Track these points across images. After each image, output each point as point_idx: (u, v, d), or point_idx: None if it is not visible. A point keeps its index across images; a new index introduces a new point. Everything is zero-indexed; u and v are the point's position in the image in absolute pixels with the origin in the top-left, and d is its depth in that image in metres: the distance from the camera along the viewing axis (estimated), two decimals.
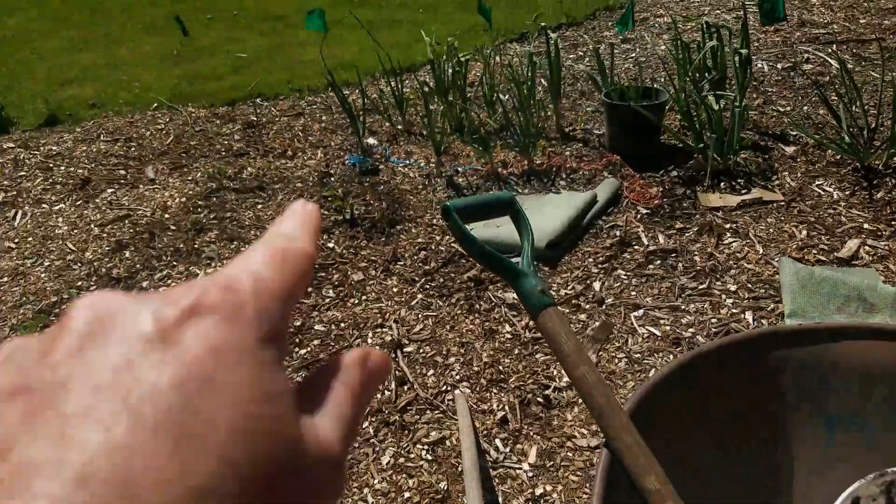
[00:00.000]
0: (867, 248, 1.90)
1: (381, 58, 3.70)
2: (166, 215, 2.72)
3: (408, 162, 2.92)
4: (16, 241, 2.67)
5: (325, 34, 3.03)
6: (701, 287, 1.87)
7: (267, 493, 0.18)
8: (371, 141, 3.17)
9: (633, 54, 3.76)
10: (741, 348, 0.84)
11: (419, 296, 2.07)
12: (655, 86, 2.83)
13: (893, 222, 2.00)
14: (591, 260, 2.10)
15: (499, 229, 2.27)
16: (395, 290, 2.12)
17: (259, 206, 2.71)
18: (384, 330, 1.95)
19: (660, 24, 4.21)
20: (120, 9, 6.92)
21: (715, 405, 0.83)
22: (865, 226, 2.00)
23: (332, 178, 2.84)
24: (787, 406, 0.83)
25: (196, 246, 2.46)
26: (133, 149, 3.44)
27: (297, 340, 1.94)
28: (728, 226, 2.10)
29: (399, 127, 3.26)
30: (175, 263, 2.37)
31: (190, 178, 3.02)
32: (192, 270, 2.32)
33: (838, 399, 0.83)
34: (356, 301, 2.09)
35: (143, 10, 6.76)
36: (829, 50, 3.28)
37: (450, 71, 3.17)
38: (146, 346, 0.19)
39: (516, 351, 1.80)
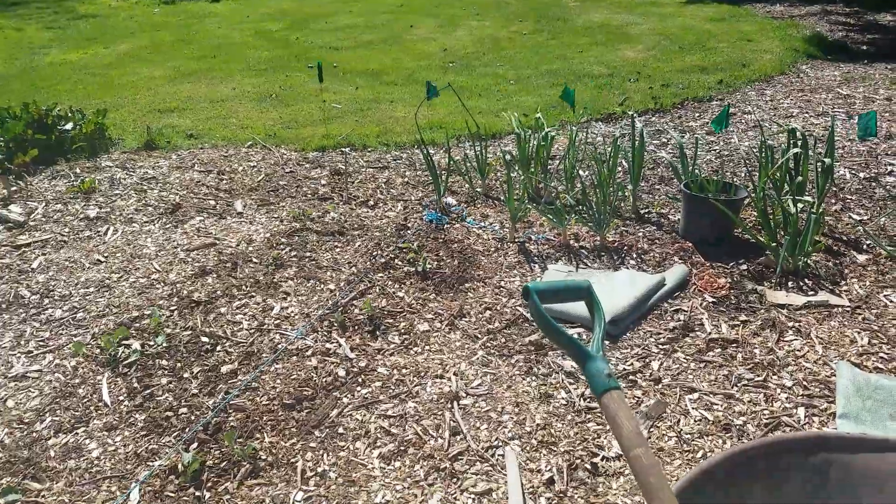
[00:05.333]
0: None
1: (468, 123, 4.05)
2: (250, 248, 3.03)
3: (483, 224, 3.19)
4: (105, 255, 3.00)
5: (427, 100, 3.38)
6: (757, 379, 2.01)
7: None
8: (450, 200, 3.46)
9: (717, 147, 3.97)
10: (793, 448, 0.92)
11: (480, 352, 2.27)
12: (735, 181, 3.02)
13: None
14: (652, 340, 2.26)
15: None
16: (457, 344, 2.33)
17: (338, 250, 3.00)
18: (443, 381, 2.14)
19: (746, 120, 4.42)
20: (226, 49, 7.68)
21: (761, 498, 0.91)
22: None
23: (409, 231, 3.13)
24: None
25: (275, 280, 2.75)
26: (224, 181, 3.84)
27: (360, 380, 2.15)
28: (791, 324, 2.24)
29: (478, 190, 3.55)
30: (254, 294, 2.66)
31: (276, 215, 3.37)
32: (269, 303, 2.60)
33: None
34: (419, 350, 2.31)
35: (247, 51, 7.49)
36: None
37: (534, 143, 3.46)
38: None
39: (569, 417, 1.96)
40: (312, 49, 7.52)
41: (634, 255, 2.83)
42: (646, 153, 3.90)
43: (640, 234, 3.00)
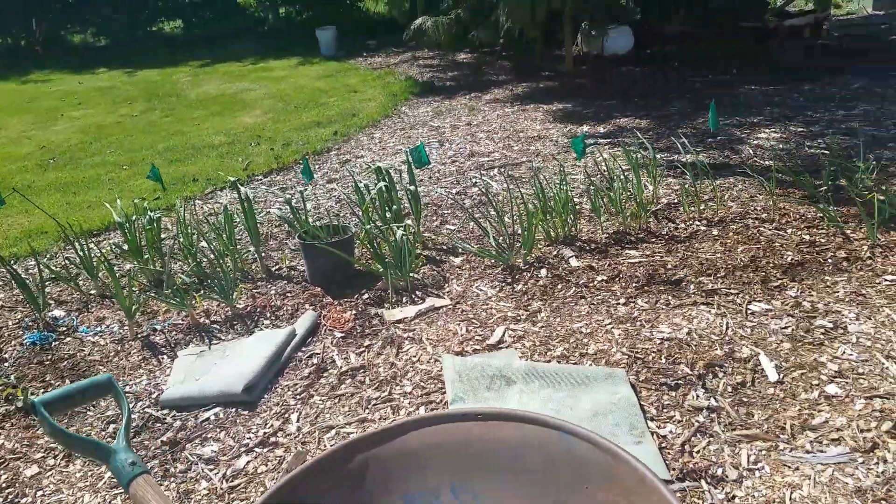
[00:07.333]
0: (510, 332, 2.36)
1: (60, 223, 3.64)
2: None
3: (100, 329, 2.86)
4: None
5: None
6: (384, 395, 2.13)
7: None
8: (57, 313, 3.04)
9: (335, 193, 4.22)
10: (327, 464, 0.98)
11: (106, 475, 2.00)
12: (344, 223, 3.25)
13: (529, 307, 2.51)
14: (289, 393, 2.25)
15: (199, 382, 2.34)
16: (79, 475, 2.01)
17: None
18: None
19: (360, 163, 4.81)
20: None
21: None
22: (509, 314, 2.48)
23: (6, 364, 2.65)
24: (378, 497, 1.00)
25: None
26: None
27: None
28: (406, 335, 2.44)
29: (92, 293, 3.19)
30: None
31: None
32: None
33: (416, 480, 1.02)
34: (30, 500, 1.94)
35: None
36: (491, 174, 4.06)
37: (143, 229, 3.24)
38: None
39: None
40: None
41: (269, 314, 2.81)
42: (269, 211, 3.96)
43: (273, 291, 3.01)
